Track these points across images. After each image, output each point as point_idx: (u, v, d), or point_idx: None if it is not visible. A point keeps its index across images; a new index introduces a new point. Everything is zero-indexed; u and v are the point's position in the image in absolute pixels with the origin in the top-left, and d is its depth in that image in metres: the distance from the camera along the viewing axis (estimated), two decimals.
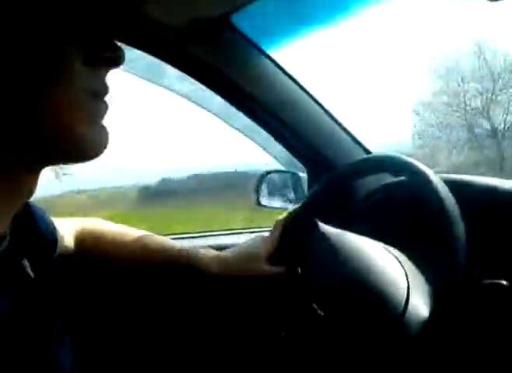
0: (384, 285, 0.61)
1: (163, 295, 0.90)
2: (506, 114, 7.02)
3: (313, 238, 0.64)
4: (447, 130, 7.22)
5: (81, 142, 0.41)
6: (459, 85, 7.42)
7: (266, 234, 0.80)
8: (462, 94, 7.33)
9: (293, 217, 0.74)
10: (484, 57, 7.27)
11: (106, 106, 0.43)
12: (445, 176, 0.72)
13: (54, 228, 0.65)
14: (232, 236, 1.11)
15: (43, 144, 0.39)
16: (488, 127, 7.10)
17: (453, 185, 0.67)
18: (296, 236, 0.71)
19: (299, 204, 0.77)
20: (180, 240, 1.05)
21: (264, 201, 1.04)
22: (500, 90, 7.16)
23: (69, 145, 0.40)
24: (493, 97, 7.16)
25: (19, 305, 0.42)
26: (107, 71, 0.44)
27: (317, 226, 0.64)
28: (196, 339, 0.93)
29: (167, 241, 0.80)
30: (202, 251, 0.78)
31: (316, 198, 0.76)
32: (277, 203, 1.05)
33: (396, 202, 0.76)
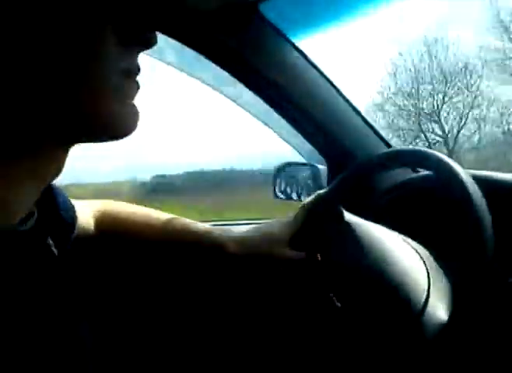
0: (405, 281, 0.60)
1: (179, 278, 0.89)
2: (461, 118, 6.85)
3: (338, 227, 0.64)
4: (398, 132, 7.07)
5: (113, 120, 0.41)
6: (412, 87, 7.23)
7: None
8: (414, 96, 7.14)
9: (319, 202, 0.73)
10: (436, 56, 7.07)
11: (137, 86, 0.44)
12: (472, 171, 0.72)
13: (74, 210, 0.65)
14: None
15: (75, 120, 0.39)
16: (439, 131, 6.90)
17: (480, 181, 0.66)
18: (319, 222, 0.70)
19: (326, 190, 0.75)
20: None
21: (281, 193, 1.04)
22: (452, 89, 6.91)
23: (101, 122, 0.40)
24: (446, 100, 6.98)
25: (44, 282, 0.42)
26: (140, 52, 0.44)
27: (342, 214, 0.63)
28: (209, 322, 0.92)
29: (188, 221, 0.78)
30: (220, 231, 0.77)
31: (342, 186, 0.76)
32: (294, 195, 1.05)
33: (421, 196, 0.76)
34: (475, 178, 0.67)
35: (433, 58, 7.10)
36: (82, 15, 0.37)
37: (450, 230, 0.69)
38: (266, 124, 1.04)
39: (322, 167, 1.00)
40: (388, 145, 0.96)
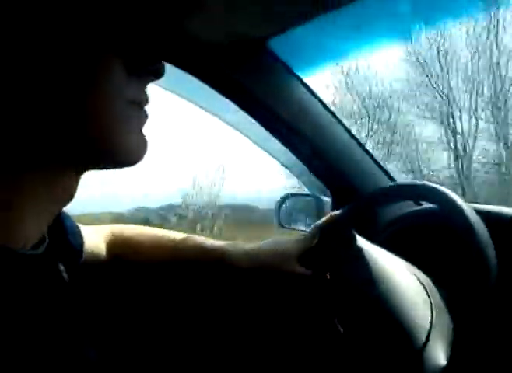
0: (410, 314, 0.61)
1: (190, 295, 0.89)
2: (386, 154, 6.63)
3: (349, 250, 0.64)
4: None
5: (120, 148, 0.42)
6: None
7: None
8: None
9: (332, 223, 0.74)
10: (357, 89, 6.92)
11: (146, 116, 0.45)
12: (474, 205, 0.74)
13: (81, 235, 0.66)
14: None
15: (84, 149, 0.40)
16: None
17: (482, 214, 0.68)
18: (331, 243, 0.70)
19: (341, 212, 0.76)
20: None
21: (285, 223, 1.05)
22: (375, 124, 6.71)
23: (108, 150, 0.41)
24: (370, 134, 6.82)
25: (55, 306, 0.42)
26: (149, 82, 0.45)
27: (353, 238, 0.64)
28: (217, 341, 0.91)
29: (198, 238, 0.80)
30: (233, 245, 0.78)
31: (347, 218, 0.77)
32: (298, 225, 1.06)
33: (424, 229, 0.77)
34: (477, 211, 0.68)
35: (355, 91, 6.99)
36: (91, 47, 0.38)
37: (453, 262, 0.70)
38: (271, 155, 1.06)
39: (326, 198, 1.01)
40: (391, 178, 0.97)
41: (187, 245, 0.78)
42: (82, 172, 0.44)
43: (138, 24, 0.43)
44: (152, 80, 0.45)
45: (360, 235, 0.78)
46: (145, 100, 0.44)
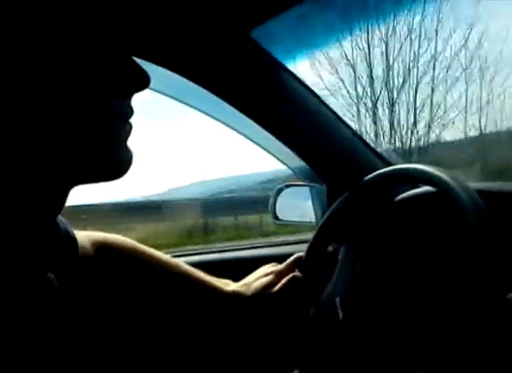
0: None
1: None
2: None
3: None
4: None
5: (109, 163, 0.42)
6: None
7: None
8: None
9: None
10: None
11: (131, 128, 0.45)
12: (476, 184, 0.72)
13: (75, 239, 0.64)
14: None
15: (72, 165, 0.41)
16: None
17: (484, 193, 0.66)
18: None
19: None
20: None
21: (281, 215, 1.04)
22: None
23: (98, 165, 0.42)
24: None
25: (44, 315, 0.43)
26: (134, 94, 0.45)
27: None
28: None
29: (190, 269, 0.82)
30: (221, 283, 0.83)
31: (345, 206, 0.76)
32: (295, 217, 1.05)
33: (422, 212, 0.75)
34: (480, 191, 0.66)
35: None
36: (76, 65, 0.38)
37: (453, 247, 0.69)
38: (262, 147, 1.04)
39: (322, 187, 1.00)
40: (383, 160, 0.96)
41: (177, 271, 0.80)
42: (71, 186, 0.45)
43: (120, 36, 0.42)
44: (137, 91, 0.45)
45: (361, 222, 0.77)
46: (130, 113, 0.44)
